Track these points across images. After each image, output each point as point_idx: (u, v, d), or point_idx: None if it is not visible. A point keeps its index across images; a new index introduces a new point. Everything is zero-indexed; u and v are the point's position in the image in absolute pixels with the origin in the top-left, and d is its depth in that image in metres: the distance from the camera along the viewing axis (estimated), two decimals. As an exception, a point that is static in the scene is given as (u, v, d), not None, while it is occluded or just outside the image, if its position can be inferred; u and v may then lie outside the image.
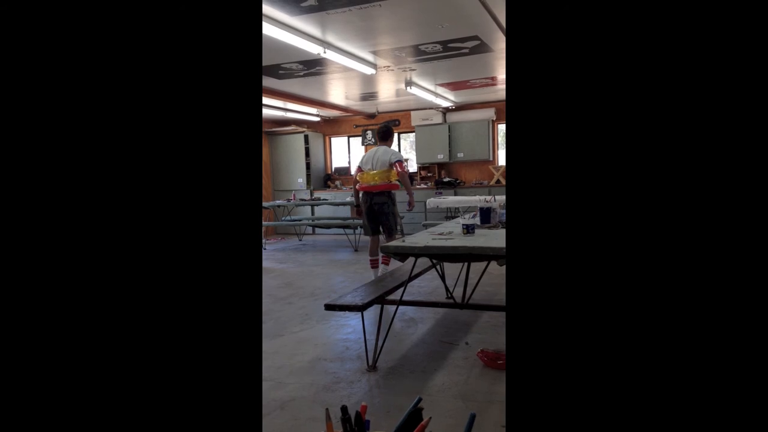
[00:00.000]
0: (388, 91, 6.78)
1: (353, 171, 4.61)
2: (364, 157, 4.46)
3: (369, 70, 5.18)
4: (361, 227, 6.83)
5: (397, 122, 8.70)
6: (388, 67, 5.32)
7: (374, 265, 4.38)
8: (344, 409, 0.65)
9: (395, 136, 9.11)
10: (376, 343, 2.57)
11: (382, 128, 4.53)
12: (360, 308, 2.52)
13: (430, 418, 0.66)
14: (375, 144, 4.58)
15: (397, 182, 4.46)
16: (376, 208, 4.25)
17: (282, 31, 3.76)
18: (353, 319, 3.29)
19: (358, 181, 4.36)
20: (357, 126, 8.93)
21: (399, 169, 4.24)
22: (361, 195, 4.36)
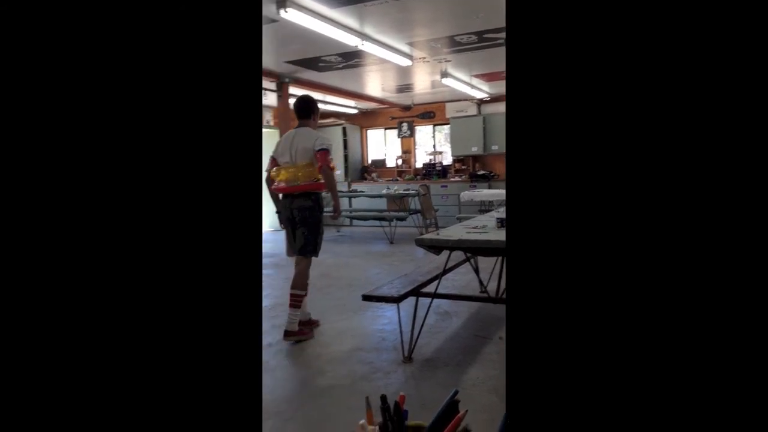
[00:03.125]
0: (423, 83, 6.75)
1: (266, 164, 3.03)
2: (279, 144, 3.05)
3: (405, 62, 5.18)
4: (397, 219, 6.84)
5: (431, 114, 8.65)
6: (424, 58, 5.30)
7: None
8: (384, 398, 0.68)
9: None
10: (412, 335, 2.61)
11: (302, 100, 3.07)
12: (396, 300, 2.56)
13: (467, 411, 0.68)
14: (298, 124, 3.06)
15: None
16: (297, 216, 2.92)
17: (321, 23, 3.81)
18: (389, 311, 3.34)
19: (273, 180, 3.00)
20: (393, 118, 8.94)
21: (320, 161, 2.86)
22: (280, 198, 3.02)
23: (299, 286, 2.94)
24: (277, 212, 3.06)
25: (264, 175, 3.02)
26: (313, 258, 3.03)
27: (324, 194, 3.08)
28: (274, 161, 3.03)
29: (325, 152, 2.89)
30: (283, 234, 3.04)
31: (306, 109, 3.04)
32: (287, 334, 2.84)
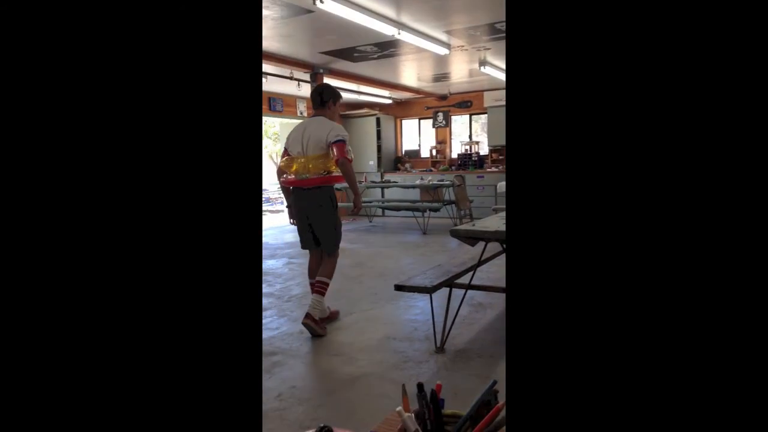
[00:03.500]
0: (460, 72, 6.64)
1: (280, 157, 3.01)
2: (291, 134, 2.88)
3: (442, 51, 5.10)
4: (430, 209, 6.80)
5: (469, 103, 8.52)
6: (462, 46, 5.21)
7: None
8: (420, 386, 0.67)
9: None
10: (444, 326, 2.59)
11: (317, 88, 2.92)
12: (429, 290, 2.54)
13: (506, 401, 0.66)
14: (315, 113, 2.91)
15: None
16: (309, 211, 2.78)
17: (357, 13, 3.79)
18: (421, 301, 3.32)
19: (285, 172, 2.86)
20: (428, 108, 8.86)
21: (336, 154, 2.68)
22: (291, 191, 2.87)
23: (327, 275, 2.88)
24: (288, 206, 2.96)
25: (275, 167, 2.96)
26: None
27: (338, 186, 2.98)
28: (286, 152, 2.89)
29: (341, 143, 2.70)
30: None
31: (320, 97, 2.86)
32: (308, 316, 2.76)
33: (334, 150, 2.68)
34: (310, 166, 2.72)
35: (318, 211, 2.77)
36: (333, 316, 3.07)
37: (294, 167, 2.76)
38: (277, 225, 7.86)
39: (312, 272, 2.96)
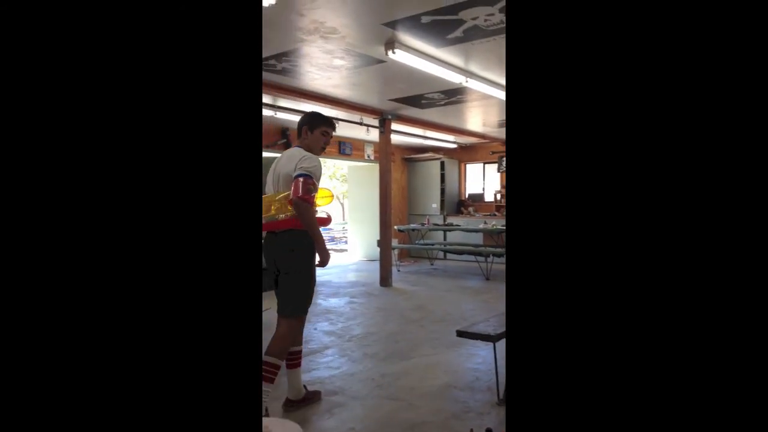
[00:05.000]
0: (527, 118, 6.63)
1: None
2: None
3: (509, 98, 5.14)
4: (494, 254, 6.67)
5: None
6: (530, 93, 5.23)
7: (292, 361, 2.35)
8: (489, 431, 0.67)
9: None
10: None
11: (303, 117, 2.36)
12: (493, 338, 2.48)
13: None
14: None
15: (324, 213, 2.35)
16: (277, 259, 2.17)
17: (429, 63, 3.94)
18: (483, 349, 3.23)
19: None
20: (493, 153, 8.85)
21: (292, 192, 2.06)
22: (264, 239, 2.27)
23: (275, 353, 2.11)
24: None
25: None
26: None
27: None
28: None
29: (301, 178, 2.06)
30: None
31: (299, 126, 2.33)
32: (294, 403, 2.38)
33: (293, 186, 2.07)
34: (275, 206, 2.17)
35: (287, 257, 2.13)
36: (315, 397, 2.50)
37: (272, 209, 2.18)
38: (339, 263, 8.01)
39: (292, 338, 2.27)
